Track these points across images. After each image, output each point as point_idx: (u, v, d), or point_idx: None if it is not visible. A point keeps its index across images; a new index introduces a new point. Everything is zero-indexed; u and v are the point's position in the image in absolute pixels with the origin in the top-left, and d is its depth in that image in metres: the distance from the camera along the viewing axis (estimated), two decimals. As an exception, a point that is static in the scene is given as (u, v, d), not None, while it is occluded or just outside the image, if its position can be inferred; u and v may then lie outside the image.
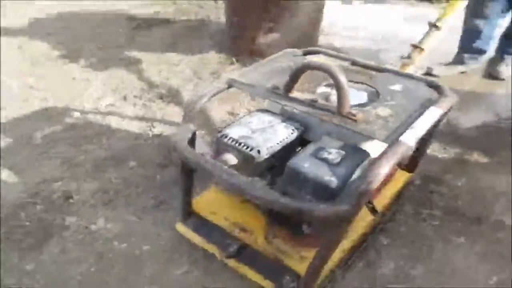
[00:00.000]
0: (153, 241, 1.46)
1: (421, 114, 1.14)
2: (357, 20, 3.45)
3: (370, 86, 1.33)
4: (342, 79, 1.10)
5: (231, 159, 1.14)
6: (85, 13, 3.70)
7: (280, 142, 1.18)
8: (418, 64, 1.67)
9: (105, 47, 3.01)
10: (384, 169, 0.95)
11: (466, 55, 2.58)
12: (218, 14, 3.60)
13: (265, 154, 1.14)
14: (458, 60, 2.61)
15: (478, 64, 2.61)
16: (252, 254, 1.29)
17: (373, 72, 1.42)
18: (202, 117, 2.07)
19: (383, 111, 1.17)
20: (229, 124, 1.28)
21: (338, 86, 1.11)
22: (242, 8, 2.71)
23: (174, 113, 2.21)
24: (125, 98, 2.36)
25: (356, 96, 1.25)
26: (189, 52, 2.88)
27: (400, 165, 1.55)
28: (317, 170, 1.05)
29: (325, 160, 1.07)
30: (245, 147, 1.14)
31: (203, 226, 1.40)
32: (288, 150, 1.20)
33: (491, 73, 2.54)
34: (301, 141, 1.26)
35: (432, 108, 1.16)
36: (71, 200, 1.65)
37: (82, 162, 1.85)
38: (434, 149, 1.91)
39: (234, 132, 1.19)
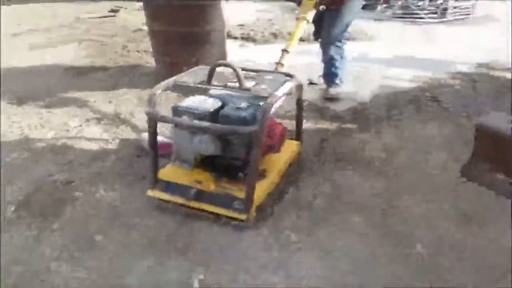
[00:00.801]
0: (140, 202, 2.04)
1: (282, 85, 1.91)
2: (249, 56, 4.50)
3: (255, 78, 2.04)
4: (239, 70, 1.85)
5: (185, 118, 1.78)
6: (23, 67, 4.18)
7: (211, 107, 1.82)
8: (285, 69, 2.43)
9: (54, 92, 3.50)
10: (269, 107, 1.67)
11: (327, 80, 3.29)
12: (143, 59, 4.36)
13: (205, 113, 1.77)
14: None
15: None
16: (208, 196, 1.86)
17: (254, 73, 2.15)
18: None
19: (263, 86, 1.92)
20: (178, 102, 1.90)
21: (237, 74, 1.84)
22: (167, 51, 3.51)
23: (130, 129, 2.82)
24: (87, 120, 2.93)
25: (248, 83, 1.93)
26: (131, 86, 3.56)
27: (291, 138, 2.29)
28: (236, 112, 1.75)
29: (239, 108, 1.77)
30: (192, 110, 1.79)
31: (168, 187, 1.95)
32: (216, 112, 1.81)
33: (327, 97, 3.23)
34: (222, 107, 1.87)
35: (287, 83, 1.94)
36: (72, 184, 2.19)
37: (73, 159, 2.40)
38: (328, 124, 2.83)
39: (184, 105, 1.84)
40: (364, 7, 7.39)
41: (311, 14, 2.65)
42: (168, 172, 2.02)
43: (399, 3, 7.03)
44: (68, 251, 1.76)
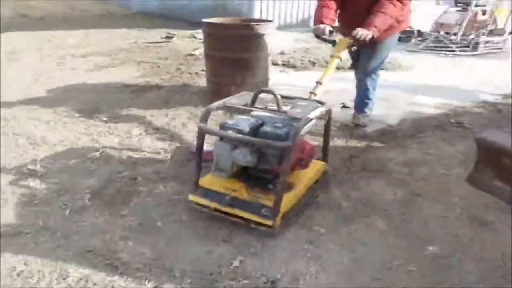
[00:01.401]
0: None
1: (313, 110, 2.19)
2: (289, 81, 4.89)
3: (290, 104, 2.29)
4: (278, 96, 2.13)
5: (231, 133, 2.07)
6: (91, 83, 4.78)
7: (251, 125, 2.10)
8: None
9: (117, 106, 4.05)
10: (301, 127, 1.96)
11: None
12: (193, 80, 4.86)
13: (247, 130, 2.06)
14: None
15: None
16: (240, 202, 2.07)
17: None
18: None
19: (297, 110, 2.18)
20: (225, 121, 2.20)
21: (276, 99, 2.12)
22: (219, 73, 3.99)
23: (183, 138, 3.26)
24: (146, 130, 3.39)
25: (284, 107, 2.18)
26: (182, 103, 4.03)
27: (318, 158, 2.54)
28: (273, 130, 2.03)
29: (276, 127, 2.05)
30: (236, 126, 2.07)
31: (206, 193, 2.18)
32: (256, 129, 2.10)
33: (357, 124, 3.47)
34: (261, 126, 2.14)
35: (318, 108, 2.22)
36: (137, 180, 2.61)
37: (137, 161, 2.84)
38: (356, 142, 3.14)
39: (230, 122, 2.13)
40: (399, 40, 7.76)
41: (344, 53, 2.86)
42: (208, 180, 2.26)
43: (433, 37, 7.29)
44: (134, 233, 2.14)
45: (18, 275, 1.78)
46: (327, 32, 2.88)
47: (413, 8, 8.20)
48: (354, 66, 3.55)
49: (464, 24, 7.00)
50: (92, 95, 4.40)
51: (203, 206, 2.18)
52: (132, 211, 2.29)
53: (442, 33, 7.28)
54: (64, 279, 1.76)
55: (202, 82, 4.73)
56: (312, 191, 2.37)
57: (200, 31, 8.40)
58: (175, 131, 3.39)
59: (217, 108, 2.30)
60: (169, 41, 7.49)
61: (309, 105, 2.27)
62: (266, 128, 2.08)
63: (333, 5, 2.95)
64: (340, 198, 2.40)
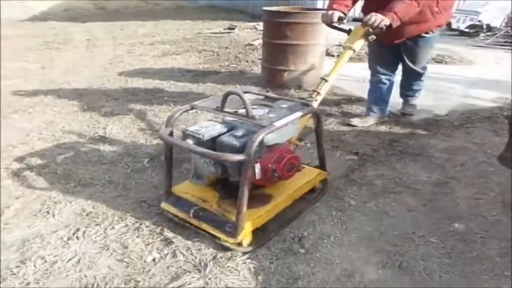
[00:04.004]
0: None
1: (290, 114, 1.91)
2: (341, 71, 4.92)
3: (271, 106, 2.05)
4: (247, 100, 1.83)
5: (189, 141, 1.85)
6: (158, 68, 5.23)
7: (214, 132, 1.89)
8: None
9: (181, 86, 4.43)
10: (259, 137, 1.67)
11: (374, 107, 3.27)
12: (250, 68, 5.13)
13: (205, 138, 1.84)
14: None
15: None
16: (207, 215, 1.91)
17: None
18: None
19: (271, 115, 1.90)
20: (189, 126, 1.98)
21: (244, 103, 1.83)
22: (272, 59, 4.21)
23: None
24: (202, 109, 3.70)
25: (260, 110, 1.99)
26: (238, 86, 4.30)
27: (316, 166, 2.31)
28: (230, 140, 1.82)
29: (234, 136, 1.83)
30: (196, 134, 1.85)
31: (177, 202, 2.03)
32: (216, 138, 1.88)
33: (403, 113, 3.39)
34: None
35: (296, 113, 1.94)
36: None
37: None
38: (399, 128, 3.21)
39: (192, 129, 1.91)
40: (465, 34, 7.49)
41: (359, 44, 2.48)
42: (182, 187, 2.12)
43: (503, 32, 6.94)
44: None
45: (87, 215, 2.13)
46: (335, 18, 2.55)
47: (485, 2, 7.95)
48: (376, 70, 3.18)
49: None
50: (156, 77, 4.83)
51: (173, 215, 2.05)
52: (181, 174, 2.58)
53: (514, 28, 6.92)
54: (122, 220, 2.08)
55: (257, 69, 4.98)
56: (302, 203, 2.18)
57: (261, 23, 8.69)
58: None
59: (184, 111, 2.09)
60: (230, 32, 7.84)
61: (290, 108, 2.01)
62: (223, 138, 1.87)
63: None
64: (374, 176, 2.51)
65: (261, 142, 1.77)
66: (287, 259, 1.81)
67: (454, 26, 7.83)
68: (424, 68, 3.18)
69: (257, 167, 1.84)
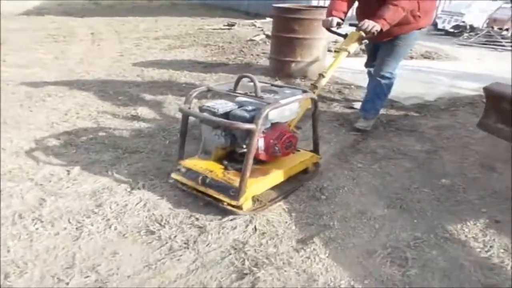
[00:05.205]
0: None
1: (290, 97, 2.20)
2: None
3: (276, 91, 2.28)
4: (257, 81, 2.13)
5: (206, 114, 2.18)
6: (167, 60, 5.64)
7: (228, 108, 2.21)
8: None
9: (190, 77, 4.85)
10: (266, 110, 1.97)
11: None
12: (255, 60, 5.59)
13: (220, 112, 2.15)
14: None
15: None
16: (213, 183, 2.16)
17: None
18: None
19: (276, 96, 2.17)
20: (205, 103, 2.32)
21: (254, 84, 2.12)
22: (282, 51, 4.71)
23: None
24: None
25: (267, 94, 2.21)
26: (247, 76, 4.75)
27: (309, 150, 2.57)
28: (241, 112, 2.13)
29: (245, 110, 2.15)
30: (212, 108, 2.18)
31: (186, 173, 2.29)
32: (229, 112, 2.18)
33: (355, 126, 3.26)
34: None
35: (297, 96, 2.24)
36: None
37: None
38: (395, 111, 3.71)
39: (208, 104, 2.25)
40: (450, 34, 8.10)
41: (353, 47, 2.74)
42: (192, 161, 2.35)
43: (484, 32, 7.57)
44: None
45: (142, 173, 2.55)
46: (334, 24, 2.80)
47: (469, 3, 8.58)
48: (368, 64, 3.37)
49: (516, 20, 7.27)
50: (169, 68, 5.25)
51: (182, 184, 2.30)
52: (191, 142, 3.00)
53: (495, 28, 7.55)
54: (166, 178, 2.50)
55: (262, 62, 5.46)
56: (296, 181, 2.41)
57: (259, 20, 9.16)
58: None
59: (201, 92, 2.33)
60: (231, 28, 8.28)
61: (292, 93, 2.26)
62: (236, 111, 2.16)
63: None
64: (376, 147, 3.00)
65: (267, 117, 2.05)
66: (312, 202, 2.28)
67: (440, 26, 8.46)
68: (388, 77, 3.09)
69: (261, 141, 2.17)
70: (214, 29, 8.38)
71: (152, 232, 2.00)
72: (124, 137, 3.11)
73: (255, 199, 2.22)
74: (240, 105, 2.25)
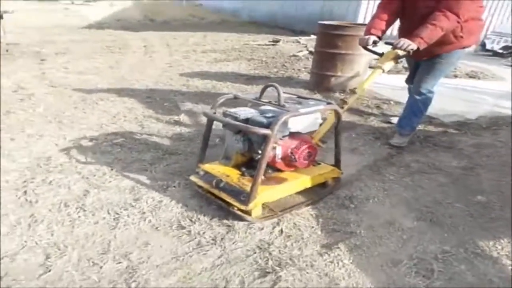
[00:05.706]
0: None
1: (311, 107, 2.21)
2: (380, 80, 5.41)
3: (300, 102, 2.30)
4: (281, 90, 2.16)
5: (228, 119, 2.24)
6: (212, 72, 5.87)
7: (249, 114, 2.26)
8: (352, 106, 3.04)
9: (232, 88, 5.02)
10: (283, 117, 1.99)
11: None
12: (297, 74, 5.69)
13: (241, 118, 2.21)
14: None
15: None
16: (227, 186, 2.20)
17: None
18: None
19: (298, 106, 2.19)
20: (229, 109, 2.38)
21: (278, 93, 2.15)
22: (323, 66, 4.79)
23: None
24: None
25: (291, 103, 2.25)
26: (288, 89, 4.85)
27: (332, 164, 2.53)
28: (259, 118, 2.18)
29: (264, 116, 2.20)
30: (234, 114, 2.26)
31: (204, 176, 2.35)
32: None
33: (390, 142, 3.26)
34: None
35: (317, 106, 2.23)
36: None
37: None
38: (433, 127, 3.65)
39: (231, 110, 2.31)
40: (499, 54, 7.86)
41: (388, 65, 2.76)
42: (211, 166, 2.41)
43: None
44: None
45: (177, 173, 2.69)
46: (370, 42, 2.83)
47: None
48: (409, 81, 3.32)
49: None
50: (213, 79, 5.46)
51: (198, 186, 2.38)
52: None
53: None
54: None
55: (304, 76, 5.55)
56: (313, 193, 2.40)
57: (303, 37, 9.30)
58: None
59: (227, 99, 2.40)
60: (275, 44, 8.47)
61: (315, 104, 2.27)
62: (255, 117, 2.22)
63: (384, 17, 2.86)
64: (410, 161, 2.97)
65: (285, 125, 2.10)
66: (340, 210, 2.31)
67: (488, 47, 8.22)
68: (426, 94, 3.06)
69: (279, 149, 2.19)
70: (259, 44, 8.60)
71: (183, 227, 2.11)
72: (166, 139, 3.29)
73: (265, 207, 2.23)
74: (262, 112, 2.30)
